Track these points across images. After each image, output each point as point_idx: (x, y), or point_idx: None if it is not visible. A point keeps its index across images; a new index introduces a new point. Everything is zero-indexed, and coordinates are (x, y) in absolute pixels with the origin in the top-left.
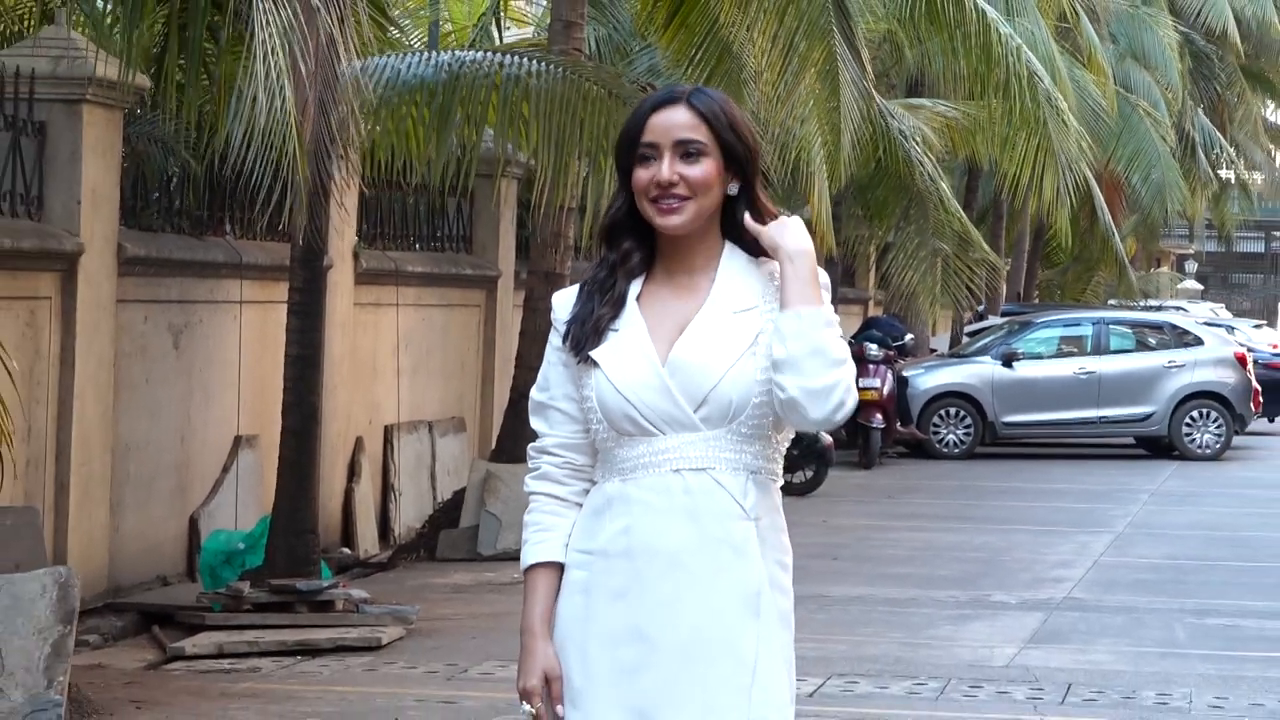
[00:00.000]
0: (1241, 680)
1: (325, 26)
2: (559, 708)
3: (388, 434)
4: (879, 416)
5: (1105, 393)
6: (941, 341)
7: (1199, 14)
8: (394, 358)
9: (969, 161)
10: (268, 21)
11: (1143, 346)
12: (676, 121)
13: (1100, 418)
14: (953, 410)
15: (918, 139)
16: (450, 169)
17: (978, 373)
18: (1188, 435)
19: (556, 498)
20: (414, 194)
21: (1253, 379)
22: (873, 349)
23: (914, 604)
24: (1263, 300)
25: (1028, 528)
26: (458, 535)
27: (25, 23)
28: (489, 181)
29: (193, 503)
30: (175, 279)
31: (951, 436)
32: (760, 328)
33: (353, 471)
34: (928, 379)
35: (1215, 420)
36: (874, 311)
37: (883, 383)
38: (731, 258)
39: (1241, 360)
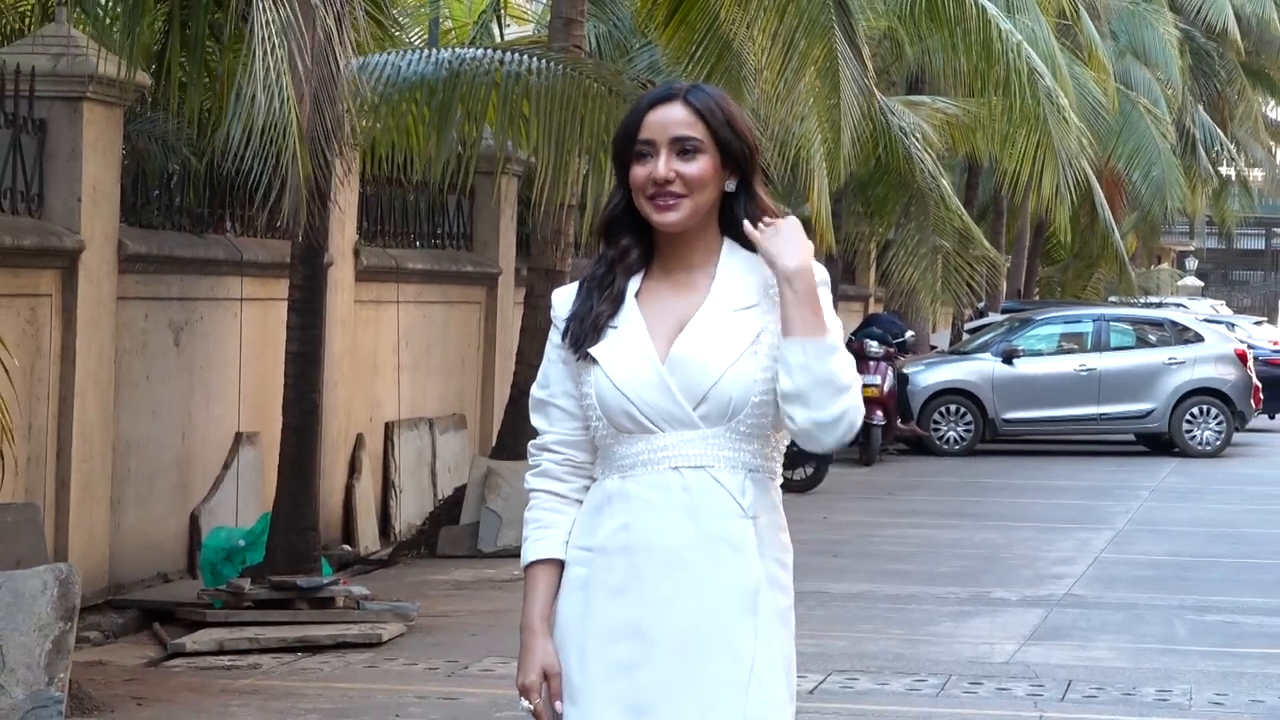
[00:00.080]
0: (1242, 677)
1: (323, 24)
2: (557, 704)
3: (388, 431)
4: (879, 413)
5: (1106, 389)
6: (942, 338)
7: (1199, 11)
8: (395, 355)
9: (969, 158)
10: (268, 22)
11: (1143, 343)
12: (673, 119)
13: (1100, 414)
14: (953, 407)
15: (918, 136)
16: (451, 166)
17: (978, 370)
18: (1188, 432)
19: (556, 495)
20: (414, 191)
21: (1253, 376)
22: (873, 346)
23: (914, 601)
24: (1263, 297)
25: (1028, 524)
26: (458, 532)
27: (26, 20)
28: (489, 179)
29: (193, 499)
30: (176, 276)
31: (952, 433)
32: (761, 326)
33: (353, 468)
34: (928, 376)
35: (1216, 417)
36: (874, 308)
37: (883, 380)
38: (731, 254)
39: (1242, 357)
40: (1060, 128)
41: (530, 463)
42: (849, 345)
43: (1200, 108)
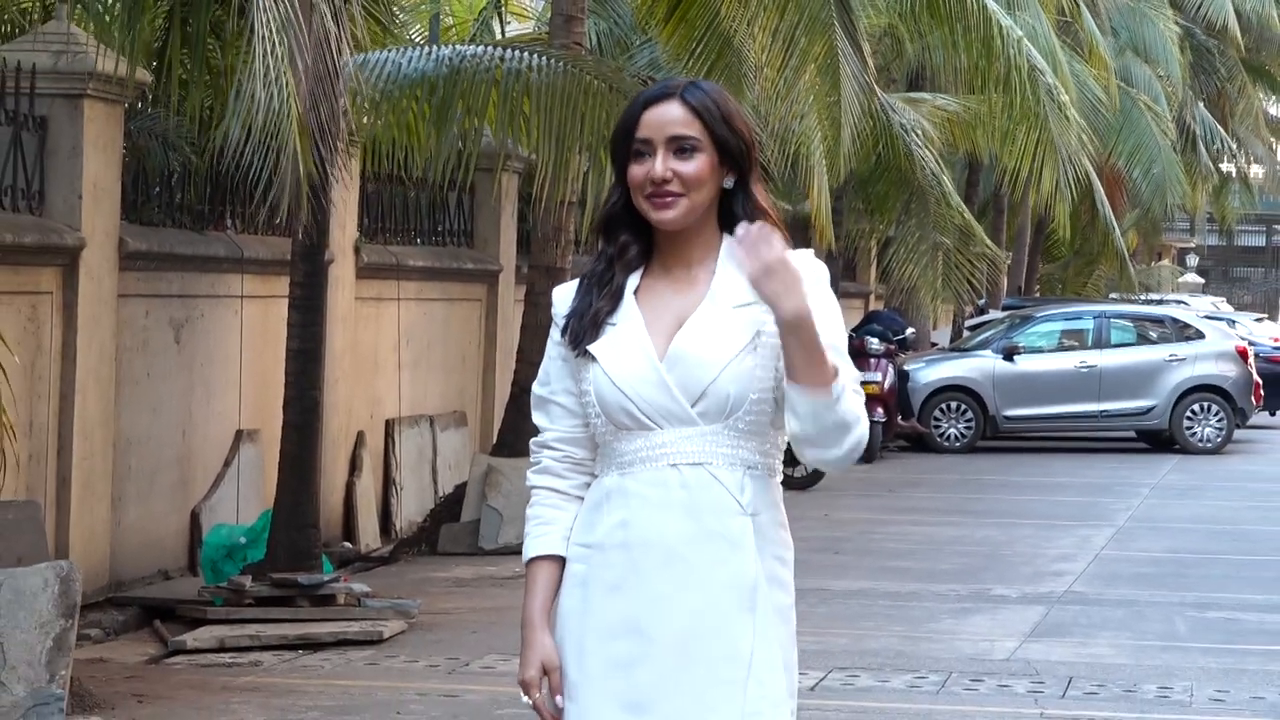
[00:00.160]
0: (1243, 673)
1: (321, 21)
2: (558, 698)
3: (389, 428)
4: (880, 411)
5: (1106, 386)
6: (942, 335)
7: (1199, 8)
8: (395, 352)
9: (969, 155)
10: (268, 20)
11: (1144, 340)
12: (670, 117)
13: (1101, 411)
14: (954, 404)
15: (918, 133)
16: (451, 163)
17: (979, 366)
18: (1189, 429)
19: (557, 491)
20: (415, 188)
21: (1254, 373)
22: (874, 343)
23: (915, 598)
24: (1264, 294)
25: (1029, 521)
26: (459, 529)
27: (26, 18)
28: (490, 176)
29: (194, 497)
30: (176, 274)
31: (952, 430)
32: (761, 323)
33: (354, 466)
34: (929, 373)
35: (1216, 414)
36: (875, 305)
37: (884, 377)
38: (731, 251)
39: (1243, 354)
40: (1060, 124)
41: (531, 460)
42: (849, 342)
43: (1201, 104)
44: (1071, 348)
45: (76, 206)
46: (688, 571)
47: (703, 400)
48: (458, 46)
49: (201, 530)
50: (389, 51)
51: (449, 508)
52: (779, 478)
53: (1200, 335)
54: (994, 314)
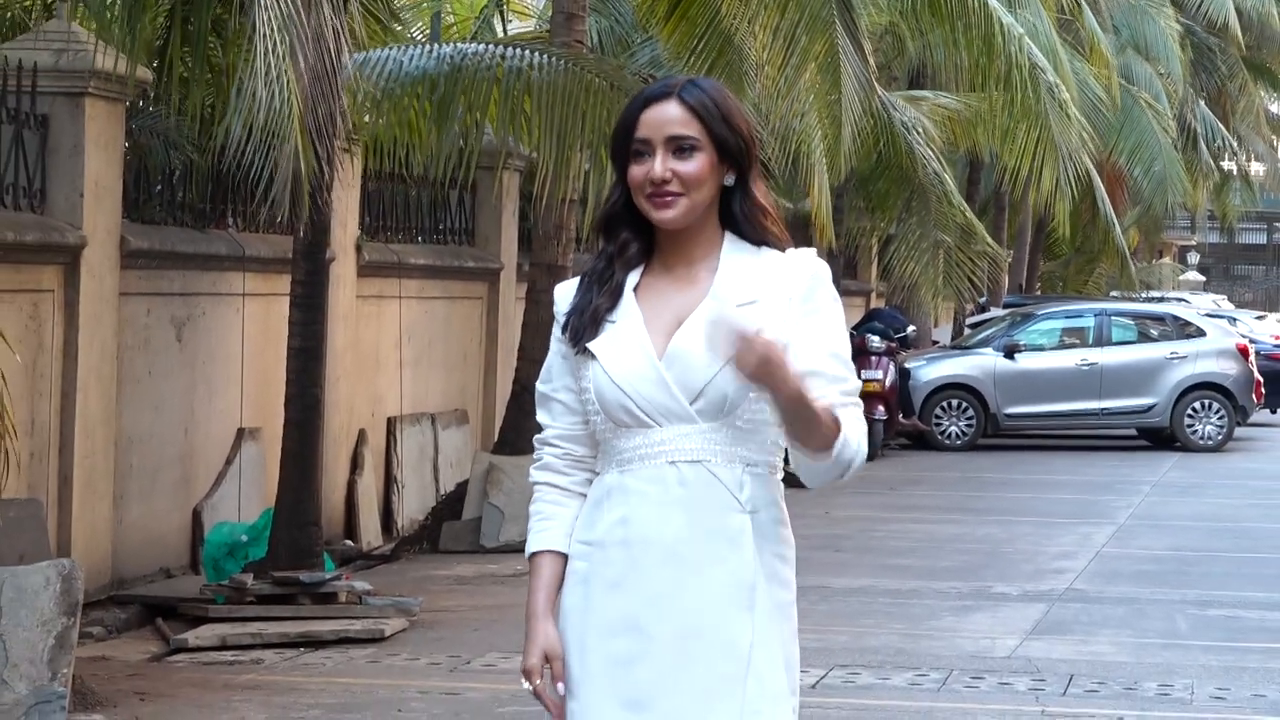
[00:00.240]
0: (1243, 671)
1: (323, 19)
2: (559, 685)
3: (390, 426)
4: (881, 408)
5: (1107, 384)
6: (943, 333)
7: (1200, 6)
8: (396, 350)
9: (970, 154)
10: (269, 19)
11: (1145, 338)
12: (668, 117)
13: (1102, 409)
14: (955, 402)
15: (919, 131)
16: (452, 161)
17: (980, 364)
18: (1190, 426)
19: (558, 487)
20: (416, 186)
21: (1255, 370)
22: (875, 341)
23: (916, 595)
24: (1265, 292)
25: (1030, 519)
26: (460, 527)
27: (30, 14)
28: (491, 174)
29: (196, 495)
30: (178, 272)
31: (953, 428)
32: (762, 322)
33: (355, 464)
34: (930, 371)
35: (1217, 411)
36: (876, 303)
37: (885, 374)
38: (733, 249)
39: (1243, 352)
40: (1061, 122)
41: (534, 456)
42: (850, 340)
43: (1201, 102)
44: (1072, 346)
45: (78, 205)
46: (687, 569)
47: (701, 398)
48: (459, 44)
49: (203, 528)
50: (390, 49)
51: (450, 506)
52: (779, 475)
53: (1201, 333)
54: (995, 312)
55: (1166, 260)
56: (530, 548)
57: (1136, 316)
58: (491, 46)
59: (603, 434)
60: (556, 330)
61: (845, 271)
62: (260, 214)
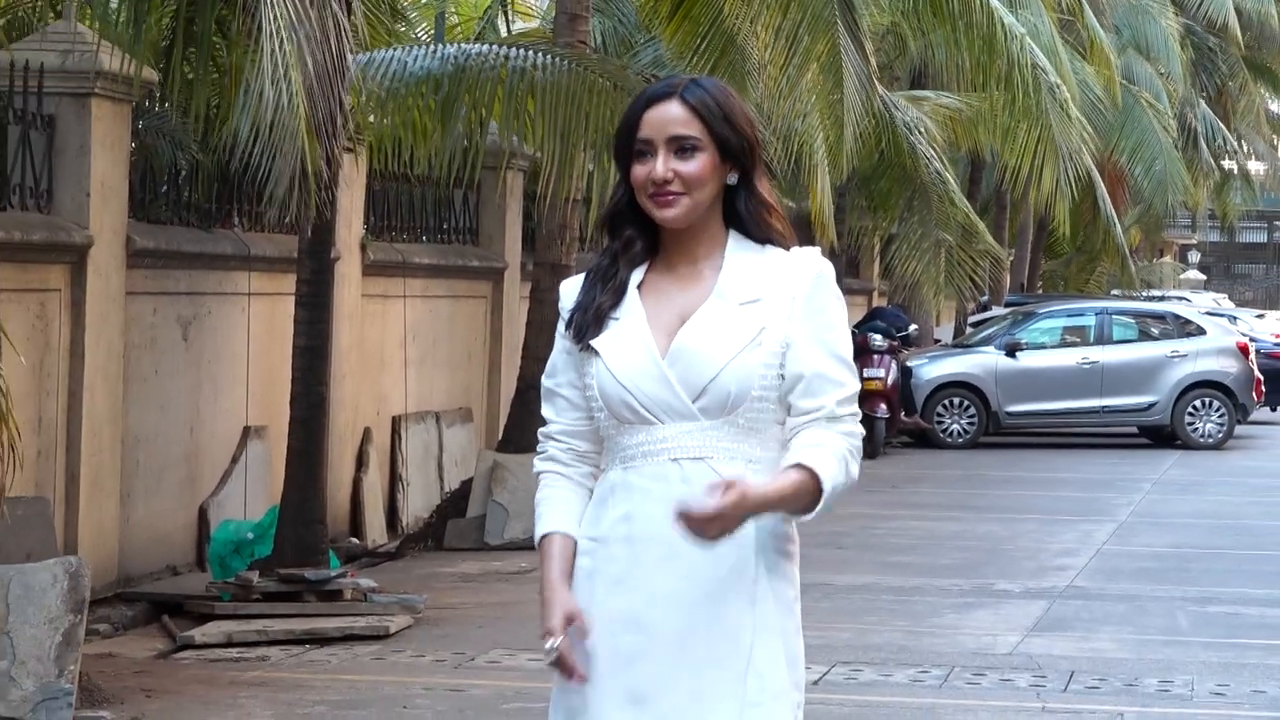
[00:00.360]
0: (1243, 668)
1: (327, 18)
2: (586, 641)
3: (395, 424)
4: (883, 406)
5: (1108, 382)
6: (945, 332)
7: (1200, 6)
8: (401, 349)
9: (972, 153)
10: (275, 17)
11: (1146, 336)
12: (670, 117)
13: (1103, 407)
14: (956, 400)
15: (921, 131)
16: (456, 161)
17: (981, 363)
18: (1190, 425)
19: (562, 475)
20: (421, 186)
21: (1255, 369)
22: (877, 339)
23: (918, 592)
24: (1265, 290)
25: (1031, 517)
26: (465, 525)
27: (36, 15)
28: (494, 174)
29: (202, 493)
30: (184, 271)
31: (955, 426)
32: (765, 321)
33: (361, 462)
34: (932, 369)
35: (1217, 410)
36: (878, 302)
37: (887, 373)
38: (737, 247)
39: (1244, 350)
40: (1061, 122)
41: (538, 449)
42: (853, 339)
43: (1202, 102)
44: (1074, 344)
45: (84, 205)
46: (688, 565)
47: (704, 396)
48: (463, 45)
49: (209, 526)
50: (395, 50)
51: (455, 503)
52: None
53: (1202, 331)
54: (997, 310)
55: (1167, 259)
56: (539, 530)
57: (1137, 315)
58: (495, 47)
59: (607, 431)
60: (561, 326)
61: (847, 270)
62: (266, 214)
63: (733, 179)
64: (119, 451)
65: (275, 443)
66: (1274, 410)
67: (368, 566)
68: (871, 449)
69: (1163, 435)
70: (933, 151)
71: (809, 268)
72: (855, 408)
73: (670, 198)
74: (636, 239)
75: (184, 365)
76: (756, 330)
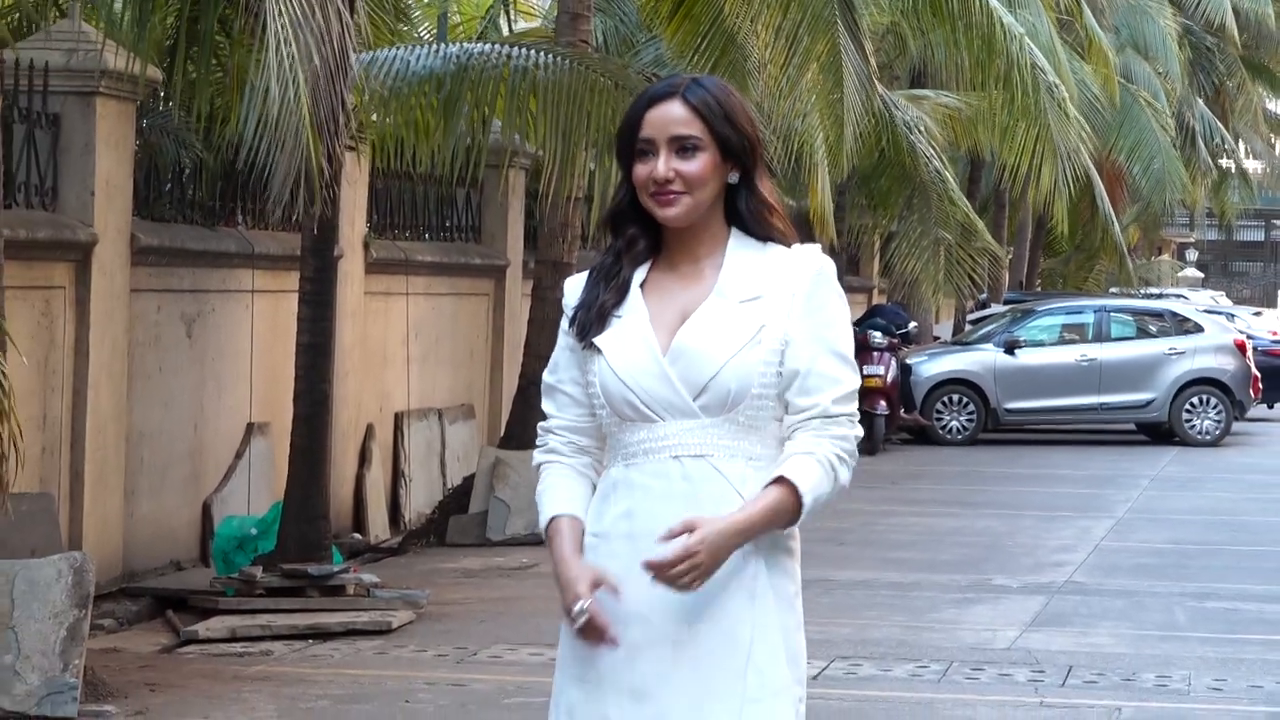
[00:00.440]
0: (1241, 663)
1: (325, 17)
2: (612, 598)
3: (398, 421)
4: (883, 403)
5: (1106, 379)
6: (945, 329)
7: (1198, 6)
8: (404, 346)
9: (971, 152)
10: (280, 11)
11: (1144, 334)
12: (671, 117)
13: (1101, 404)
14: (956, 397)
15: (921, 129)
16: (459, 160)
17: (980, 360)
18: (1188, 421)
19: (563, 464)
20: (423, 184)
21: (1252, 366)
22: (877, 337)
23: (917, 588)
24: (1263, 288)
25: (1030, 513)
26: (467, 521)
27: (40, 14)
28: (497, 172)
29: (206, 489)
30: (188, 269)
31: (954, 423)
32: (765, 319)
33: (364, 458)
34: (931, 366)
35: (1215, 406)
36: (878, 299)
37: (886, 370)
38: (738, 245)
39: (1241, 347)
40: (1060, 121)
41: (538, 443)
42: (853, 336)
43: (1200, 101)
44: (1072, 341)
45: (89, 203)
46: None
47: (705, 394)
48: (465, 44)
49: (213, 522)
50: (397, 49)
51: (457, 500)
52: None
53: (1199, 329)
54: (996, 308)
55: (1165, 257)
56: (544, 515)
57: (1135, 313)
58: (497, 46)
59: (608, 428)
60: (564, 323)
61: (847, 268)
62: (270, 212)
63: (734, 178)
64: (123, 448)
65: (278, 439)
66: (1271, 407)
67: (370, 562)
68: (871, 446)
69: (1160, 432)
70: (932, 150)
71: (809, 265)
72: (853, 406)
73: (672, 197)
74: (639, 238)
75: (188, 362)
76: (756, 328)
